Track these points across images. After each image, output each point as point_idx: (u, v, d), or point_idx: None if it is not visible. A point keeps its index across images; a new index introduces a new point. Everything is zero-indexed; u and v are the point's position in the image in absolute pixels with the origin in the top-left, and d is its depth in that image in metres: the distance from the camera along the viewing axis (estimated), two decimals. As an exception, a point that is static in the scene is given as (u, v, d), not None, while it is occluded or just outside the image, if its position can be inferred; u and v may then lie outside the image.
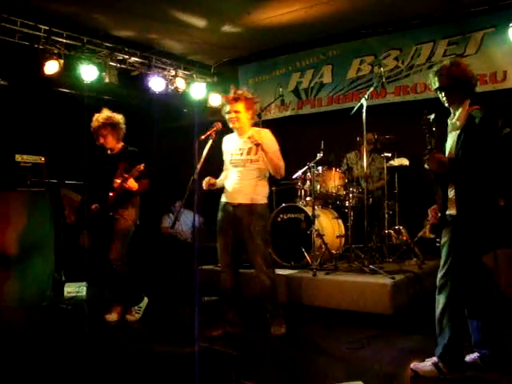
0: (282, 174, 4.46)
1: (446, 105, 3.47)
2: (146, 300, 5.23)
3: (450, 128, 3.48)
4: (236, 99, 4.42)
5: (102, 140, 5.20)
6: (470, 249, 3.28)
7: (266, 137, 4.44)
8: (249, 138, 4.29)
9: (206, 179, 4.41)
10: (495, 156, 3.17)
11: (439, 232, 3.48)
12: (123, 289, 5.13)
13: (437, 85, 3.43)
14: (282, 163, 4.43)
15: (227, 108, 4.46)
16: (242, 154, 4.45)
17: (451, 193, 3.37)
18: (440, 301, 3.37)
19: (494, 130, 3.22)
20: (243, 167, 4.42)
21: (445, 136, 3.51)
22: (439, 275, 3.39)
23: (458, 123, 3.37)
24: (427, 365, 3.42)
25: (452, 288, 3.30)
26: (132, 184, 4.90)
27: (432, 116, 3.37)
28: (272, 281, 4.44)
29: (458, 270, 3.30)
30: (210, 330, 4.40)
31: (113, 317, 5.05)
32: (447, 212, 3.38)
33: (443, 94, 3.42)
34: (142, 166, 4.86)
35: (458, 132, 3.35)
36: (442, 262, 3.39)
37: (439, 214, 3.42)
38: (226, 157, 4.59)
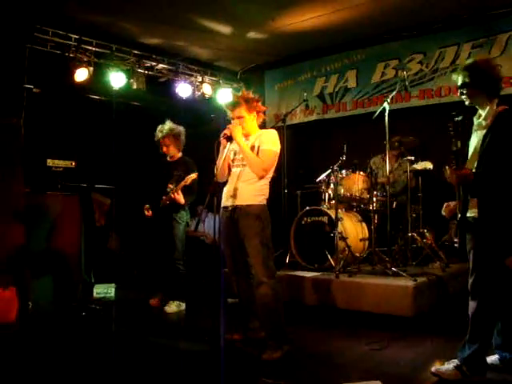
0: (260, 174, 4.01)
1: (467, 103, 3.39)
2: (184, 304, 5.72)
3: (475, 127, 3.41)
4: (235, 105, 4.14)
5: (165, 149, 5.76)
6: (495, 253, 3.23)
7: (265, 135, 4.12)
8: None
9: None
10: None
11: (461, 234, 3.47)
12: (176, 285, 5.67)
13: (464, 80, 3.33)
14: (264, 164, 3.99)
15: (230, 115, 4.19)
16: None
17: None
18: (472, 306, 3.34)
19: None
20: (243, 167, 4.10)
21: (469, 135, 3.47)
22: (470, 281, 3.36)
23: (484, 122, 3.31)
24: (450, 368, 3.40)
25: (483, 294, 3.29)
26: (179, 198, 5.43)
27: (460, 118, 3.34)
28: (274, 293, 3.94)
29: (486, 276, 3.28)
30: (231, 334, 4.29)
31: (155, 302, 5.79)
32: (468, 214, 3.34)
33: (466, 90, 3.34)
34: (195, 175, 5.33)
35: (484, 131, 3.29)
36: (470, 268, 3.37)
37: (459, 215, 3.39)
38: (231, 155, 4.22)
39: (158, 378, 3.63)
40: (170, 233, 5.64)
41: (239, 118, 4.12)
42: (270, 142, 4.07)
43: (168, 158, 5.87)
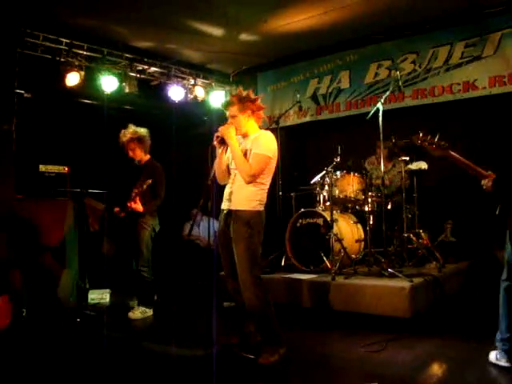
0: (246, 179, 3.87)
1: None
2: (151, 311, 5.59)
3: None
4: (228, 104, 4.02)
5: (130, 153, 5.69)
6: None
7: (260, 138, 3.97)
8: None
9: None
10: None
11: None
12: (142, 290, 5.56)
13: None
14: (251, 170, 3.85)
15: (227, 114, 4.05)
16: None
17: None
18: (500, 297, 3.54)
19: None
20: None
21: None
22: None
23: None
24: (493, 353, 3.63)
25: (508, 287, 3.46)
26: (136, 207, 5.37)
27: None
28: (261, 302, 3.83)
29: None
30: (227, 337, 4.24)
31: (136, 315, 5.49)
32: None
33: None
34: (150, 181, 5.28)
35: None
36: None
37: None
38: (230, 158, 4.08)
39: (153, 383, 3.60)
40: (135, 238, 5.55)
41: (233, 117, 3.99)
42: (264, 146, 3.93)
43: (136, 163, 5.78)
